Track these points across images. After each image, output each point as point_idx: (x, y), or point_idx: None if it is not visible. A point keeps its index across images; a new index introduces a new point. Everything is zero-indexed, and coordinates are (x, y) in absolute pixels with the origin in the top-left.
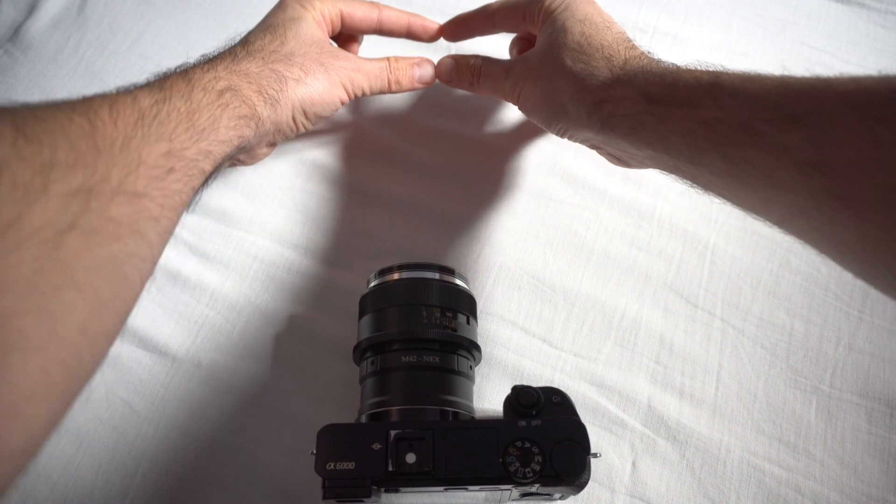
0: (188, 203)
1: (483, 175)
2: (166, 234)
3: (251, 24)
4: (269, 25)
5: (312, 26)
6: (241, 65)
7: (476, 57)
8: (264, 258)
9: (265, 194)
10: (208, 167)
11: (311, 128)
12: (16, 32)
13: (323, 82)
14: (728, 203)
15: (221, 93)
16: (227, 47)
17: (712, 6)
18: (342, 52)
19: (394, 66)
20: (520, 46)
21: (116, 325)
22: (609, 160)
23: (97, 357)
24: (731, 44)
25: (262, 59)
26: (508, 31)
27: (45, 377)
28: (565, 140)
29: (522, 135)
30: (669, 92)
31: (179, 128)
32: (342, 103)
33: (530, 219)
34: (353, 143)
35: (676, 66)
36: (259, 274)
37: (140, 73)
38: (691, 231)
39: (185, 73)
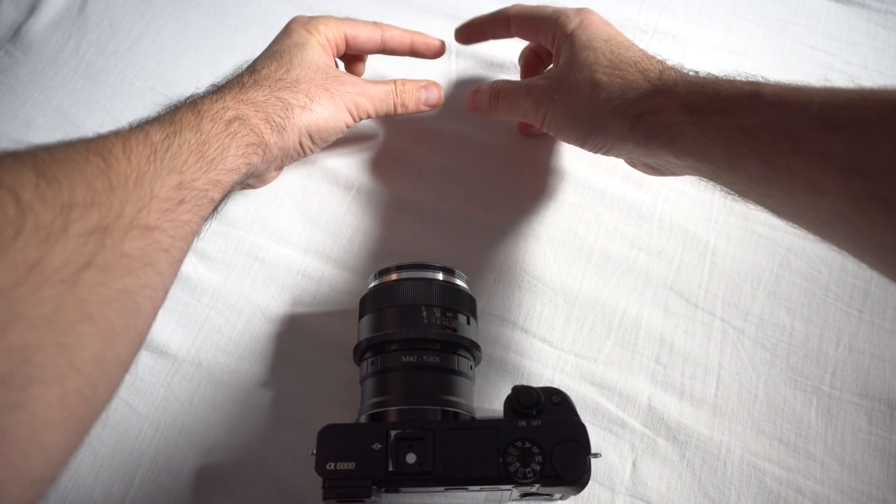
0: (198, 231)
1: (483, 175)
2: (177, 264)
3: (251, 24)
4: (275, 52)
5: (317, 51)
6: (249, 93)
7: (494, 81)
8: (265, 258)
9: (266, 195)
10: (217, 195)
11: (317, 151)
12: (16, 32)
13: (328, 108)
14: (766, 210)
15: (229, 122)
16: (234, 75)
17: (712, 6)
18: (347, 77)
19: (400, 89)
20: (528, 59)
21: (130, 354)
22: (644, 171)
23: (112, 386)
24: (731, 44)
25: (269, 87)
26: (522, 37)
27: (63, 407)
28: (570, 143)
29: (523, 135)
30: (711, 101)
31: (190, 159)
32: (347, 127)
33: (530, 219)
34: (354, 144)
35: (715, 76)
36: (259, 274)
37: (140, 72)
38: (691, 231)
39: (193, 105)
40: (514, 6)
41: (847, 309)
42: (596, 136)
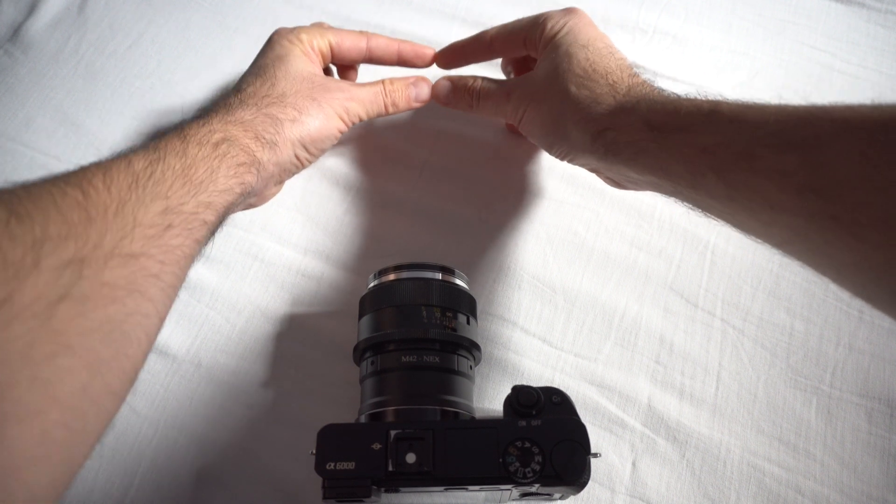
0: (194, 255)
1: (483, 175)
2: (171, 289)
3: (251, 24)
4: (258, 67)
5: (301, 61)
6: (236, 114)
7: (474, 78)
8: (264, 258)
9: None
10: (211, 217)
11: (315, 161)
12: (16, 32)
13: (318, 118)
14: (729, 226)
15: (217, 145)
16: (221, 97)
17: (712, 6)
18: (334, 83)
19: (389, 88)
20: (514, 65)
21: (123, 382)
22: (607, 183)
23: (103, 415)
24: (731, 44)
25: (256, 105)
26: (507, 56)
27: (46, 441)
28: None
29: (522, 135)
30: (671, 119)
31: (175, 184)
32: (341, 133)
33: (530, 218)
34: (354, 143)
35: (677, 95)
36: (259, 274)
37: (140, 72)
38: (691, 231)
39: (180, 131)
40: (491, 28)
41: (847, 309)
42: (560, 144)
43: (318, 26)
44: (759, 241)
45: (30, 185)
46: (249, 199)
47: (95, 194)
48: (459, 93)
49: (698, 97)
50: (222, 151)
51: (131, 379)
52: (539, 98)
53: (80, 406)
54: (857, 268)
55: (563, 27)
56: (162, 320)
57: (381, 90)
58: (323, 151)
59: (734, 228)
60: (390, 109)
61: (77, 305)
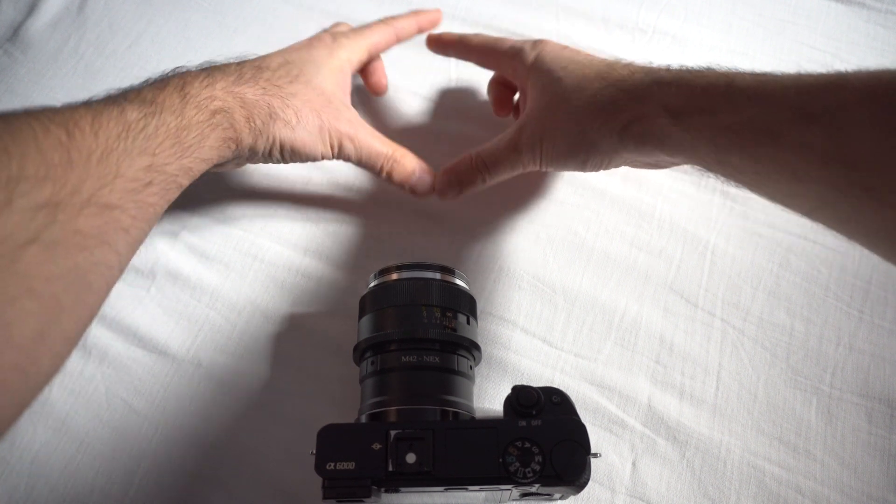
0: (160, 214)
1: None
2: (136, 244)
3: (251, 24)
4: (288, 60)
5: (329, 77)
6: (242, 87)
7: (469, 155)
8: (264, 258)
9: (266, 194)
10: (186, 182)
11: (283, 164)
12: (15, 32)
13: (311, 134)
14: (761, 196)
15: (214, 113)
16: (238, 62)
17: (712, 6)
18: (347, 115)
19: (398, 155)
20: (496, 92)
21: (79, 329)
22: (645, 168)
23: (57, 359)
24: (731, 44)
25: (264, 88)
26: (480, 65)
27: None
28: None
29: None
30: (688, 101)
31: (165, 143)
32: (323, 158)
33: (530, 219)
34: None
35: (687, 70)
36: (259, 274)
37: (140, 72)
38: (691, 231)
39: (181, 87)
40: (476, 37)
41: (847, 309)
42: (592, 157)
43: (358, 36)
44: (790, 209)
45: (10, 115)
46: (212, 168)
47: (81, 137)
48: (466, 173)
49: (710, 69)
50: (217, 121)
51: (86, 326)
52: (550, 129)
53: (36, 350)
54: (885, 233)
55: (536, 58)
56: (121, 272)
57: (385, 156)
58: (296, 162)
59: (766, 198)
60: (381, 176)
61: (45, 251)
